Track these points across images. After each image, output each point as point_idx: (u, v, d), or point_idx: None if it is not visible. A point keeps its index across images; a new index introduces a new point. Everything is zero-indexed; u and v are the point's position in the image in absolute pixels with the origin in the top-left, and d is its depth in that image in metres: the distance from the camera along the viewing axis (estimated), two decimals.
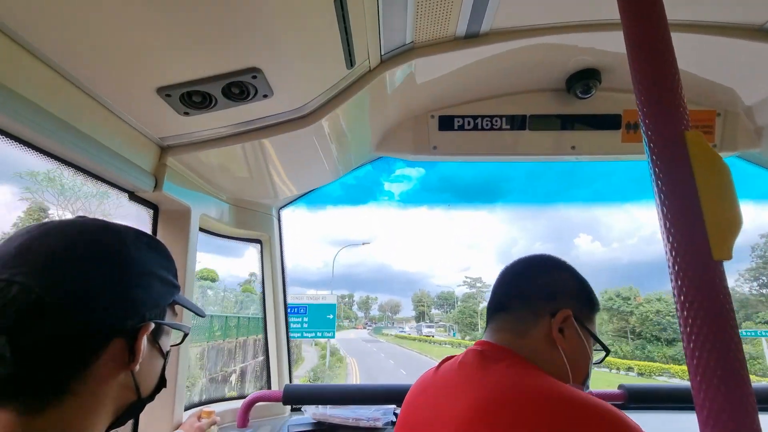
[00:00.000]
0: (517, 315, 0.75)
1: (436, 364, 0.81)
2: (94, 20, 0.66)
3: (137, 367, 0.50)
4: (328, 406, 1.41)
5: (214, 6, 0.67)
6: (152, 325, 0.51)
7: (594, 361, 0.76)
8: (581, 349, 0.73)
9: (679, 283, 0.35)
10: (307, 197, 1.72)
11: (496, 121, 1.40)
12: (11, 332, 0.40)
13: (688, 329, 0.35)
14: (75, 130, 0.80)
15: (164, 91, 0.84)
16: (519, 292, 0.77)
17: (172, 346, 0.63)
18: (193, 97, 0.88)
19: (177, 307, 0.63)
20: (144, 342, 0.50)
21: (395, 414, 1.41)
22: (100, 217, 0.55)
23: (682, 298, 0.35)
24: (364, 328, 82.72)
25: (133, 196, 1.07)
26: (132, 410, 0.54)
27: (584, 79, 1.26)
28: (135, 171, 0.98)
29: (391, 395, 1.41)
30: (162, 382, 0.59)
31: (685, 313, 0.35)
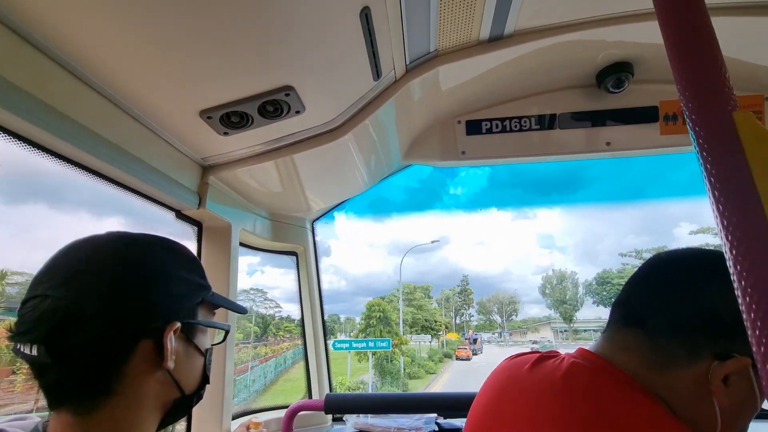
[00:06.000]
0: (659, 341, 0.55)
1: (535, 356, 0.66)
2: (142, 52, 0.73)
3: (171, 364, 0.52)
4: (369, 416, 1.41)
5: (248, 31, 0.72)
6: (177, 325, 0.53)
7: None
8: (747, 405, 0.53)
9: (743, 283, 0.32)
10: (370, 206, 1.74)
11: (525, 121, 1.38)
12: (47, 341, 0.45)
13: (757, 332, 0.31)
14: (128, 154, 0.87)
15: (206, 114, 0.90)
16: (669, 310, 0.55)
17: (214, 345, 0.65)
18: (231, 118, 0.93)
19: (215, 308, 0.66)
20: (171, 341, 0.52)
21: (437, 423, 1.39)
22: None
23: (747, 299, 0.32)
24: (474, 353, 33.07)
25: (180, 215, 1.13)
26: (179, 406, 0.57)
27: (615, 73, 1.22)
28: (181, 190, 1.04)
29: (432, 404, 1.39)
30: (205, 380, 0.61)
31: (753, 316, 0.31)
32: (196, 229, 1.22)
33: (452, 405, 1.37)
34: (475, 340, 36.13)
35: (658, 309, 0.57)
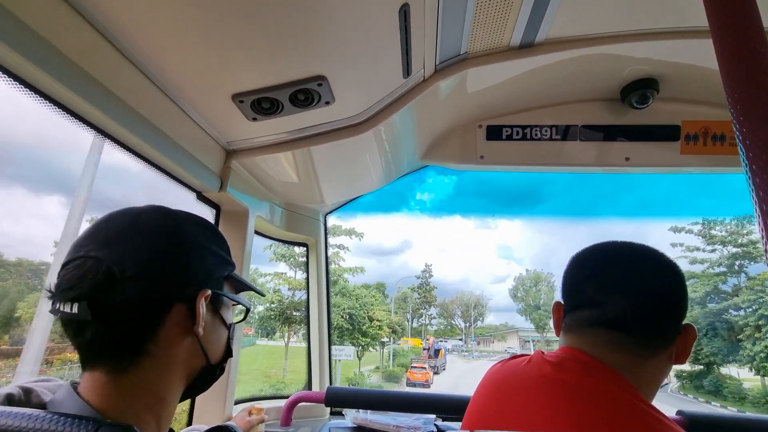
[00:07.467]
0: (644, 342, 0.63)
1: (528, 357, 0.71)
2: (183, 31, 0.74)
3: (201, 331, 0.54)
4: (369, 411, 1.41)
5: (287, 17, 0.73)
6: (209, 292, 0.56)
7: None
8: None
9: None
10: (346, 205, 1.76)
11: (546, 131, 1.39)
12: (90, 298, 0.47)
13: None
14: (158, 130, 0.88)
15: (238, 98, 0.91)
16: (651, 318, 0.63)
17: (236, 323, 0.67)
18: (262, 104, 0.94)
19: (236, 288, 0.67)
20: (203, 308, 0.54)
21: (436, 425, 1.39)
22: None
23: None
24: (435, 371, 19.85)
25: (200, 196, 1.14)
26: (203, 376, 0.59)
27: (641, 89, 1.23)
28: (205, 172, 1.05)
29: (432, 405, 1.39)
30: (228, 352, 0.63)
31: None
32: (214, 212, 1.23)
33: (452, 407, 1.37)
34: (437, 352, 23.43)
35: (641, 317, 0.63)
